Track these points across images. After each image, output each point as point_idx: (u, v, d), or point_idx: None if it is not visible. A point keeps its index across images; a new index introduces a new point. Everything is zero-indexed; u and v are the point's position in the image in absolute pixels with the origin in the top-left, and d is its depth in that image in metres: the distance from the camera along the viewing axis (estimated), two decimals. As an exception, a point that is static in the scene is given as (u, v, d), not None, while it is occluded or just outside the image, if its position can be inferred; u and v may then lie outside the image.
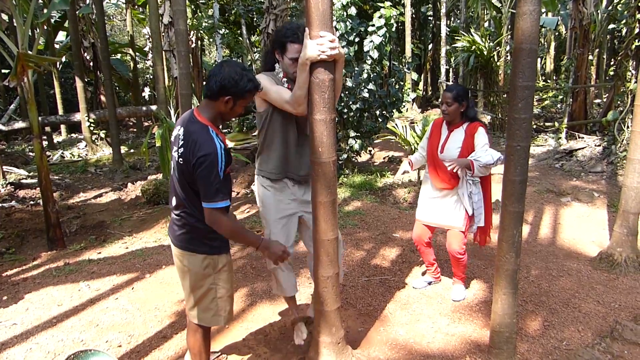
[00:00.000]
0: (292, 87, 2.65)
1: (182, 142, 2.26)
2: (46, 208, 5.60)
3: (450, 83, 17.12)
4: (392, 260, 4.65)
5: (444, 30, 15.91)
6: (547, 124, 12.47)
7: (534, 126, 11.52)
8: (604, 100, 12.62)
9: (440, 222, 3.69)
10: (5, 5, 6.17)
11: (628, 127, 7.88)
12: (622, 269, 4.33)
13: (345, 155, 7.87)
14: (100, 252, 5.18)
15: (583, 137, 9.74)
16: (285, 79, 2.81)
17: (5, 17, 8.52)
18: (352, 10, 7.30)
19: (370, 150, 8.71)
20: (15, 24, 6.21)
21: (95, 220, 6.80)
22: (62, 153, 12.01)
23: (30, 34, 5.62)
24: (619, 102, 8.66)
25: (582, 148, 9.10)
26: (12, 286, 4.27)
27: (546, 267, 4.49)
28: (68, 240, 5.88)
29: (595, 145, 8.97)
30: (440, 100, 3.92)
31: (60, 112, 13.14)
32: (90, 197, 8.17)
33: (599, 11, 13.36)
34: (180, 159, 2.27)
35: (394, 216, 5.99)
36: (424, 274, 4.26)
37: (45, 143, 11.58)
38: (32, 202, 7.64)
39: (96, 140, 12.26)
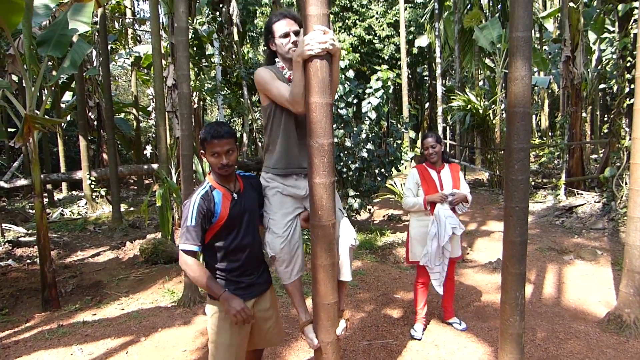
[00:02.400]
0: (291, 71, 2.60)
1: None
2: (43, 267, 5.53)
3: (448, 140, 17.37)
4: (393, 323, 4.54)
5: (439, 89, 16.36)
6: (545, 180, 12.56)
7: (532, 183, 11.60)
8: (601, 155, 12.79)
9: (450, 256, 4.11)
10: (16, 69, 6.38)
11: (626, 183, 7.93)
12: (632, 331, 4.21)
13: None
14: (95, 314, 5.07)
15: (582, 194, 9.77)
16: (285, 71, 2.71)
17: (15, 77, 8.78)
18: (350, 73, 7.53)
19: (369, 209, 8.73)
20: (24, 85, 6.39)
21: (91, 280, 6.70)
22: (62, 211, 12.02)
23: (38, 94, 5.77)
24: (615, 159, 8.76)
25: (582, 204, 9.10)
26: (2, 350, 4.15)
27: (552, 329, 4.38)
28: (63, 301, 5.76)
29: (595, 202, 8.98)
30: (423, 147, 4.22)
31: (63, 169, 13.28)
32: (87, 256, 8.09)
33: (589, 70, 13.82)
34: None
35: (395, 276, 5.90)
36: (416, 321, 4.33)
37: (45, 200, 11.61)
38: (28, 261, 7.56)
39: (96, 198, 12.30)
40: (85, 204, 12.43)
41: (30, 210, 11.80)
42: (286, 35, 2.62)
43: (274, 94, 2.61)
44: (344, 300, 2.83)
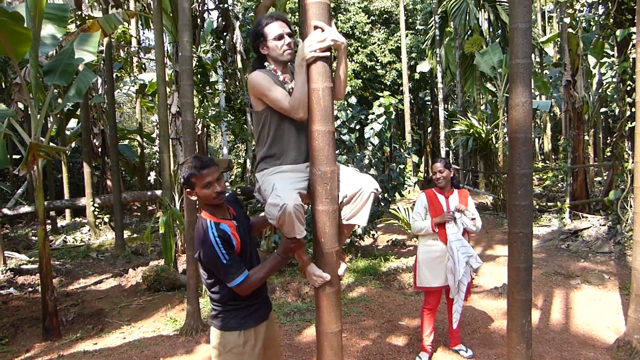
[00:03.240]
0: (287, 77, 2.57)
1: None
2: (44, 296, 5.50)
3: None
4: (399, 351, 4.46)
5: (442, 114, 16.46)
6: (549, 203, 12.49)
7: (537, 206, 11.54)
8: (605, 177, 12.75)
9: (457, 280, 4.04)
10: (22, 97, 6.48)
11: (631, 206, 7.88)
12: (641, 357, 4.13)
13: (348, 240, 7.84)
14: (96, 343, 5.01)
15: (587, 217, 9.70)
16: (279, 74, 2.61)
17: (21, 105, 8.90)
18: (353, 99, 7.60)
19: (373, 234, 8.68)
20: (30, 113, 6.47)
21: (93, 308, 6.64)
22: (65, 238, 12.00)
23: (43, 122, 5.84)
24: (619, 182, 8.73)
25: (587, 228, 9.03)
26: (2, 382, 4.10)
27: (561, 356, 4.29)
28: (64, 330, 5.71)
29: (600, 225, 8.91)
30: (431, 172, 4.27)
31: (67, 196, 13.30)
32: (90, 284, 8.04)
33: (590, 93, 13.90)
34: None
35: (400, 302, 5.83)
36: (422, 348, 4.30)
37: (48, 227, 11.61)
38: (30, 289, 7.52)
39: (100, 225, 12.29)
40: (89, 230, 12.42)
41: (33, 238, 11.79)
42: (280, 37, 2.55)
43: (271, 100, 2.51)
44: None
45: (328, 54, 2.37)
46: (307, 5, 2.33)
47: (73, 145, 16.45)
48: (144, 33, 19.37)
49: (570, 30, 9.76)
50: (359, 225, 2.66)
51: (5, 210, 11.70)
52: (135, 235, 12.37)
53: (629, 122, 8.18)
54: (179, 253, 8.10)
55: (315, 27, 2.37)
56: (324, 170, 2.44)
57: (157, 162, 19.18)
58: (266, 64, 2.64)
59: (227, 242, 2.38)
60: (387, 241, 9.76)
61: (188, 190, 2.41)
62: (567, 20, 9.73)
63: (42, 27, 5.79)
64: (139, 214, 16.32)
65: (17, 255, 9.55)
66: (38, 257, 5.68)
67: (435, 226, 4.05)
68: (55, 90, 9.15)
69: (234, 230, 2.47)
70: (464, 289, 3.98)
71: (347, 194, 2.55)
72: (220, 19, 11.93)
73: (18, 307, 6.58)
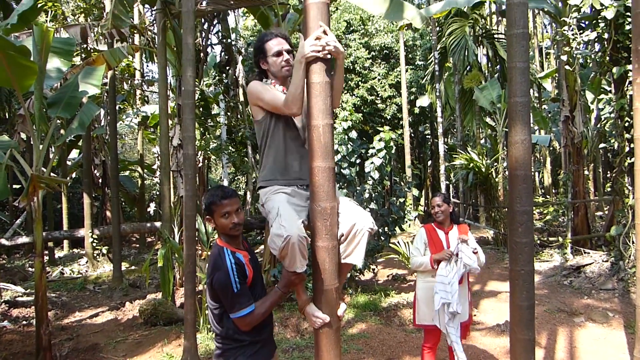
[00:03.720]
0: (286, 90, 2.61)
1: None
2: (39, 330, 5.40)
3: (451, 198, 17.34)
4: (399, 390, 4.35)
5: (441, 148, 16.55)
6: (551, 238, 12.42)
7: (538, 241, 11.47)
8: (606, 212, 12.70)
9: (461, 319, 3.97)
10: (25, 128, 6.52)
11: (633, 242, 7.82)
12: (648, 400, 4.02)
13: (348, 274, 7.75)
14: (89, 380, 4.89)
15: (589, 253, 9.63)
16: (278, 86, 2.71)
17: (23, 135, 8.97)
18: (353, 134, 7.66)
19: (373, 269, 8.60)
20: (32, 143, 6.50)
21: (88, 343, 6.51)
22: (62, 269, 11.88)
23: (45, 153, 5.86)
24: (620, 217, 8.70)
25: (590, 264, 8.95)
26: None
27: (566, 397, 4.18)
28: (57, 366, 5.58)
29: (603, 261, 8.83)
30: (430, 206, 4.27)
31: (65, 226, 13.24)
32: (85, 317, 7.91)
33: (588, 128, 14.01)
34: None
35: (400, 339, 5.72)
36: None
37: (46, 259, 11.52)
38: (24, 322, 7.39)
39: (97, 257, 12.19)
40: (86, 262, 12.30)
41: (30, 269, 11.67)
42: (279, 53, 2.65)
43: (267, 100, 2.59)
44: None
45: (329, 56, 2.42)
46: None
47: (74, 175, 16.49)
48: (147, 66, 19.67)
49: (567, 67, 9.92)
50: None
51: (3, 241, 11.63)
52: (133, 267, 12.25)
53: (628, 158, 8.21)
54: (177, 287, 8.00)
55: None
56: (324, 207, 2.44)
57: (157, 193, 19.20)
58: (264, 80, 2.75)
59: (242, 271, 2.42)
60: (388, 276, 9.65)
61: (208, 217, 2.49)
62: (564, 57, 9.90)
63: (48, 61, 5.89)
64: (137, 245, 16.21)
65: (13, 287, 9.44)
66: (34, 290, 5.61)
67: (434, 263, 3.99)
68: (58, 122, 9.25)
69: (248, 261, 2.51)
70: (453, 332, 3.87)
71: (343, 232, 2.54)
72: (223, 53, 12.15)
73: (11, 341, 6.45)
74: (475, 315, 6.80)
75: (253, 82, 2.69)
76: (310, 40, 2.38)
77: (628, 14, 7.56)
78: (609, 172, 18.76)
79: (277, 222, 2.38)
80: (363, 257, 2.62)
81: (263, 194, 2.69)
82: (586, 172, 12.10)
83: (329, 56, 2.42)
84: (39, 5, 7.70)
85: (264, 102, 2.62)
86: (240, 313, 2.36)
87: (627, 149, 8.30)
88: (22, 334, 6.83)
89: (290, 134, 2.68)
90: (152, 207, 19.36)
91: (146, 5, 12.19)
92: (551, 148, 23.22)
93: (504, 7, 14.44)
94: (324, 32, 2.39)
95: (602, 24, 8.33)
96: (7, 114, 13.64)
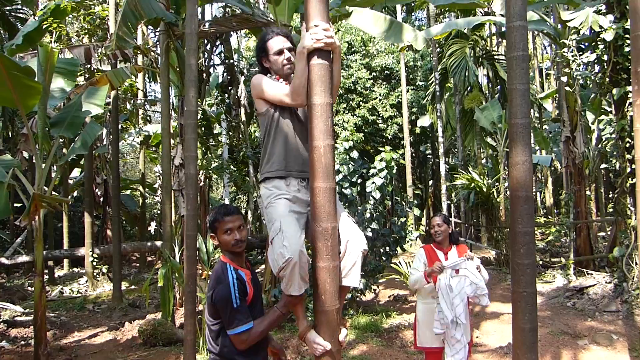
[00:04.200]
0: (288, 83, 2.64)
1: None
2: (37, 350, 5.36)
3: (453, 218, 17.32)
4: (401, 414, 4.28)
5: (443, 168, 16.56)
6: (553, 259, 12.33)
7: (540, 262, 11.39)
8: (608, 232, 12.63)
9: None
10: (28, 147, 6.56)
11: (636, 263, 7.77)
12: None
13: (349, 295, 7.69)
14: (87, 402, 4.82)
15: (592, 274, 9.54)
16: (281, 80, 2.73)
17: (25, 154, 9.03)
18: (355, 154, 7.68)
19: (374, 289, 8.54)
20: (34, 162, 6.53)
21: (86, 364, 6.44)
22: (62, 289, 11.81)
23: (47, 172, 5.89)
24: (623, 238, 8.66)
25: (593, 285, 8.86)
26: None
27: (571, 422, 4.11)
28: (54, 387, 5.51)
29: (606, 282, 8.75)
30: (430, 225, 4.26)
31: (66, 245, 13.19)
32: (84, 337, 7.83)
33: (589, 149, 14.03)
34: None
35: (402, 361, 5.65)
36: None
37: (45, 277, 11.45)
38: (23, 342, 7.31)
39: (97, 276, 12.12)
40: (86, 281, 12.23)
41: (29, 288, 11.60)
42: (280, 52, 2.69)
43: (270, 93, 2.63)
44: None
45: (329, 48, 2.47)
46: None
47: (75, 194, 16.50)
48: (150, 85, 19.87)
49: (567, 88, 9.98)
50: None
51: (3, 260, 11.59)
52: (133, 286, 12.17)
53: (630, 179, 8.20)
54: (177, 307, 7.93)
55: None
56: (325, 227, 2.44)
57: (159, 212, 19.18)
58: (268, 75, 2.78)
59: (243, 288, 2.43)
60: (389, 296, 9.57)
61: (212, 234, 2.53)
62: (564, 78, 9.97)
63: (52, 81, 5.96)
64: (137, 264, 16.13)
65: (12, 307, 9.36)
66: (33, 309, 5.57)
67: (428, 277, 3.94)
68: (61, 141, 9.30)
69: (250, 280, 2.52)
70: (457, 342, 3.84)
71: (340, 248, 2.55)
72: (225, 73, 12.28)
73: (8, 362, 6.38)
74: (477, 337, 6.72)
75: (256, 75, 2.74)
76: (312, 30, 2.43)
77: (627, 35, 7.64)
78: (610, 193, 18.74)
79: (280, 239, 2.40)
80: (359, 278, 2.63)
81: (264, 195, 2.69)
82: (588, 193, 12.06)
83: (329, 47, 2.47)
84: (44, 27, 7.84)
85: (266, 96, 2.66)
86: (238, 329, 2.36)
87: (628, 169, 8.30)
88: (20, 354, 6.75)
89: (295, 126, 2.71)
90: (152, 226, 19.32)
91: (150, 27, 12.35)
92: (552, 168, 23.22)
93: (503, 28, 14.61)
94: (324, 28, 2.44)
95: (601, 46, 8.41)
96: (10, 133, 13.73)
